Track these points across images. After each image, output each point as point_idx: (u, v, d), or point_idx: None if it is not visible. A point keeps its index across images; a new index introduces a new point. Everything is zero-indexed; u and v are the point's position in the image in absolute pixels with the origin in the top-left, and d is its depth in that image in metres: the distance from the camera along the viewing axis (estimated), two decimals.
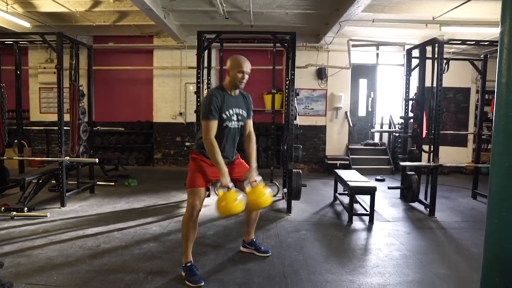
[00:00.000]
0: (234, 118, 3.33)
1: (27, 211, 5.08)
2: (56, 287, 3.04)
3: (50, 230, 4.48)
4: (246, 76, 3.30)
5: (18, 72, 6.42)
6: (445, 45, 5.49)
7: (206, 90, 6.23)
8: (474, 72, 8.68)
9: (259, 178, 3.32)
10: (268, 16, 7.69)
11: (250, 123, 3.54)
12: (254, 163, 3.40)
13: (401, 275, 3.41)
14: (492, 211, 1.89)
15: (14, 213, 4.97)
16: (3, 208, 5.08)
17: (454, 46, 8.62)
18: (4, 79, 6.23)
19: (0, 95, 5.77)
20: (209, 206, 5.28)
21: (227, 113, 3.26)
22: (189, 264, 3.23)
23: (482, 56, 6.56)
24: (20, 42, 6.50)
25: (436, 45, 5.54)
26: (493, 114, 1.92)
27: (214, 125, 3.19)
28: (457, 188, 7.65)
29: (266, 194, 3.24)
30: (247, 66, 3.29)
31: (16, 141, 6.48)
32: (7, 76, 6.53)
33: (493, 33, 7.62)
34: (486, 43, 6.13)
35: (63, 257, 3.65)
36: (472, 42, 6.18)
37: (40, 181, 5.70)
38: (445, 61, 5.72)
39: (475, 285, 2.03)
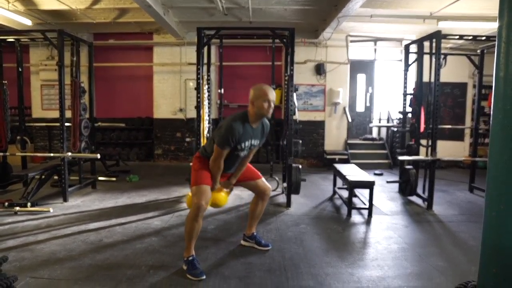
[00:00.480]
0: (247, 148, 3.39)
1: (30, 206, 5.13)
2: (59, 281, 3.09)
3: (53, 225, 4.54)
4: (272, 105, 3.25)
5: (20, 70, 6.44)
6: (442, 40, 5.53)
7: (206, 86, 6.27)
8: (471, 67, 8.71)
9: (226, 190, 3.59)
10: (266, 12, 7.71)
11: (254, 151, 3.59)
12: (233, 180, 3.62)
13: (399, 267, 3.47)
14: (490, 204, 1.90)
15: (18, 208, 5.02)
16: (6, 203, 5.13)
17: (451, 41, 8.65)
18: (6, 77, 6.26)
19: (3, 92, 5.81)
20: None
21: (242, 145, 3.30)
22: (191, 258, 3.27)
23: (479, 51, 6.60)
24: (22, 40, 6.52)
25: (434, 40, 5.57)
26: (490, 109, 1.94)
27: (226, 153, 3.26)
28: (454, 182, 7.71)
29: (221, 195, 3.53)
30: (273, 95, 3.26)
31: (18, 137, 6.54)
32: (9, 73, 6.56)
33: (490, 28, 7.64)
34: (483, 38, 6.17)
35: (66, 252, 3.70)
36: (470, 37, 6.22)
37: (43, 176, 5.76)
38: (442, 56, 5.76)
39: (473, 277, 2.08)
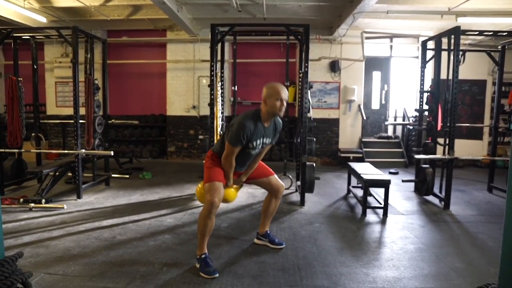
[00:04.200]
0: (258, 147, 3.38)
1: (45, 203, 5.17)
2: (73, 277, 3.09)
3: (67, 222, 4.57)
4: (285, 104, 3.24)
5: (35, 67, 6.52)
6: (461, 36, 5.40)
7: (220, 84, 6.23)
8: (490, 64, 8.54)
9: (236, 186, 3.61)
10: (281, 9, 7.65)
11: (267, 148, 3.57)
12: (244, 177, 3.61)
13: (416, 268, 3.39)
14: None
15: (32, 204, 5.06)
16: (21, 199, 5.18)
17: (470, 37, 8.46)
18: (21, 74, 6.32)
19: (18, 89, 5.86)
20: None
21: (254, 143, 3.29)
22: (203, 255, 3.24)
23: (499, 47, 6.43)
24: (37, 37, 6.60)
25: (453, 36, 5.45)
26: (510, 107, 1.86)
27: (237, 150, 3.25)
28: (472, 181, 7.56)
29: (230, 191, 3.52)
30: (285, 93, 3.24)
31: (33, 134, 6.62)
32: (24, 70, 6.63)
33: (511, 23, 7.46)
34: (504, 34, 6.01)
35: (80, 248, 3.71)
36: (490, 33, 6.07)
37: (57, 173, 5.80)
38: (461, 52, 5.63)
39: (493, 279, 2.00)
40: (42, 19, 7.76)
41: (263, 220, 3.85)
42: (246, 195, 6.01)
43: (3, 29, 5.84)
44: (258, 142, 3.32)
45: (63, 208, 5.11)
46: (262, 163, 3.70)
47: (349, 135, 9.72)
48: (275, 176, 3.73)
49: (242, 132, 3.15)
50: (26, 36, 6.47)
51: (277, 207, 3.81)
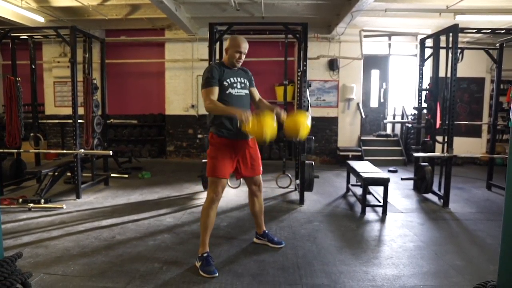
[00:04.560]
0: (237, 86, 3.37)
1: (44, 203, 5.17)
2: (73, 277, 3.09)
3: (66, 222, 4.56)
4: (243, 56, 3.38)
5: (33, 67, 6.50)
6: (459, 34, 5.40)
7: None
8: (489, 62, 8.54)
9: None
10: (279, 7, 7.64)
11: (255, 91, 3.61)
12: (271, 106, 3.43)
13: (415, 266, 3.39)
14: (511, 202, 1.84)
15: (31, 204, 5.05)
16: (20, 200, 5.18)
17: (468, 35, 8.47)
18: (20, 74, 6.30)
19: (16, 89, 5.85)
20: (222, 197, 5.30)
21: (228, 80, 3.32)
22: (205, 254, 3.24)
23: (497, 45, 6.43)
24: (35, 37, 6.58)
25: (451, 34, 5.45)
26: (508, 104, 1.87)
27: (215, 90, 3.24)
28: (471, 179, 7.57)
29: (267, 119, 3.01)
30: (245, 47, 3.37)
31: (32, 134, 6.61)
32: (22, 70, 6.62)
33: (509, 21, 7.47)
34: (502, 31, 6.02)
35: (80, 248, 3.71)
36: (488, 31, 6.08)
37: (56, 173, 5.79)
38: (459, 50, 5.63)
39: (492, 276, 2.00)
40: (40, 19, 7.75)
41: (256, 221, 3.83)
42: (245, 194, 5.96)
43: (1, 29, 5.83)
44: (233, 80, 3.35)
45: (62, 208, 5.10)
46: (260, 160, 3.61)
47: (348, 133, 9.72)
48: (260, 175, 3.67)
49: (209, 73, 3.26)
50: (24, 36, 6.46)
51: (262, 204, 3.75)
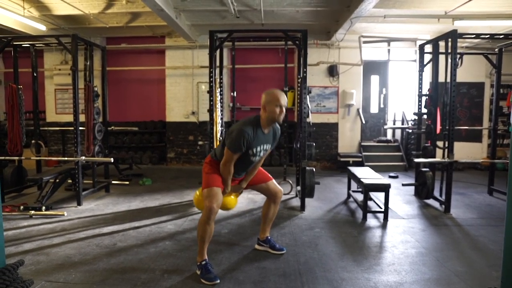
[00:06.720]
0: (260, 154, 3.39)
1: (45, 210, 5.16)
2: (74, 285, 3.08)
3: (68, 229, 4.56)
4: (284, 110, 3.26)
5: (35, 74, 6.54)
6: (458, 40, 5.42)
7: (219, 89, 6.25)
8: (488, 66, 8.56)
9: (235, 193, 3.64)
10: (278, 14, 7.69)
11: (267, 153, 3.60)
12: (244, 184, 3.62)
13: (417, 273, 3.38)
14: None
15: (33, 212, 5.05)
16: (22, 207, 5.18)
17: (467, 40, 8.50)
18: (21, 81, 6.34)
19: (18, 97, 5.88)
20: None
21: (254, 150, 3.30)
22: (204, 262, 3.24)
23: (496, 49, 6.46)
24: (36, 45, 6.62)
25: (450, 39, 5.47)
26: (508, 108, 1.88)
27: (236, 157, 3.25)
28: (472, 184, 7.56)
29: (230, 198, 3.59)
30: (285, 100, 3.27)
31: (33, 141, 6.63)
32: (24, 78, 6.65)
33: (508, 26, 7.50)
34: (501, 36, 6.04)
35: (81, 255, 3.71)
36: (487, 36, 6.10)
37: (57, 180, 5.80)
38: (458, 55, 5.65)
39: (495, 282, 2.00)
40: (42, 27, 7.80)
41: (263, 226, 3.85)
42: (246, 200, 6.00)
43: (4, 37, 5.87)
44: (259, 149, 3.33)
45: (63, 215, 5.10)
46: (261, 168, 3.71)
47: (348, 139, 9.73)
48: (274, 181, 3.74)
49: (242, 139, 3.15)
50: (26, 44, 6.49)
51: (276, 212, 3.81)
